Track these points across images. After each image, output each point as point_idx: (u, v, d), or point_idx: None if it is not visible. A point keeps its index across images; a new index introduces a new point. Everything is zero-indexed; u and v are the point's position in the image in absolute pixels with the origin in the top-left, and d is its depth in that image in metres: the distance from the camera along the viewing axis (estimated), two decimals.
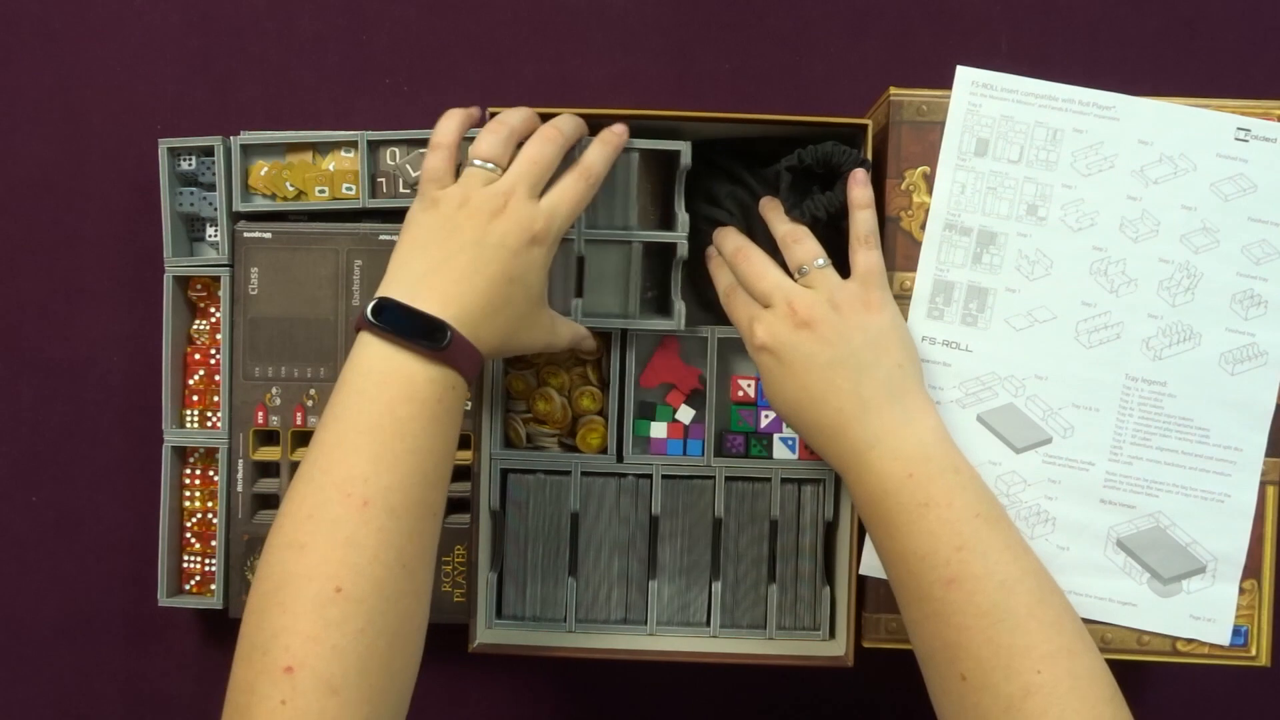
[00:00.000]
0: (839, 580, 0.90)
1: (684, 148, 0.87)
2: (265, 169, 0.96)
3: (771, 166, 0.89)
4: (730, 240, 0.87)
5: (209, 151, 0.96)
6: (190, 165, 0.96)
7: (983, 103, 0.85)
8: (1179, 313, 0.84)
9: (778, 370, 0.81)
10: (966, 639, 0.71)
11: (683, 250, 0.89)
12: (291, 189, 0.95)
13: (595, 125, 0.86)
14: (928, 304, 0.84)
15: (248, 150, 0.96)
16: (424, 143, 0.91)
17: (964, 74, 0.85)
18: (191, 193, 0.97)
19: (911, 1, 1.02)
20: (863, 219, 0.83)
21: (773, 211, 0.87)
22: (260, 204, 0.96)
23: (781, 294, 0.81)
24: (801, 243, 0.83)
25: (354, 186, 0.95)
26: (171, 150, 0.96)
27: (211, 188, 0.96)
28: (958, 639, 0.71)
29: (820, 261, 0.82)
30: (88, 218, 1.03)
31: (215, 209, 0.96)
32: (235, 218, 0.96)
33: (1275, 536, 0.85)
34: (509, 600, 0.93)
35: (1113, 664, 0.87)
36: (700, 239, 0.91)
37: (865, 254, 0.82)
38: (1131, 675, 1.02)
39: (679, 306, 0.90)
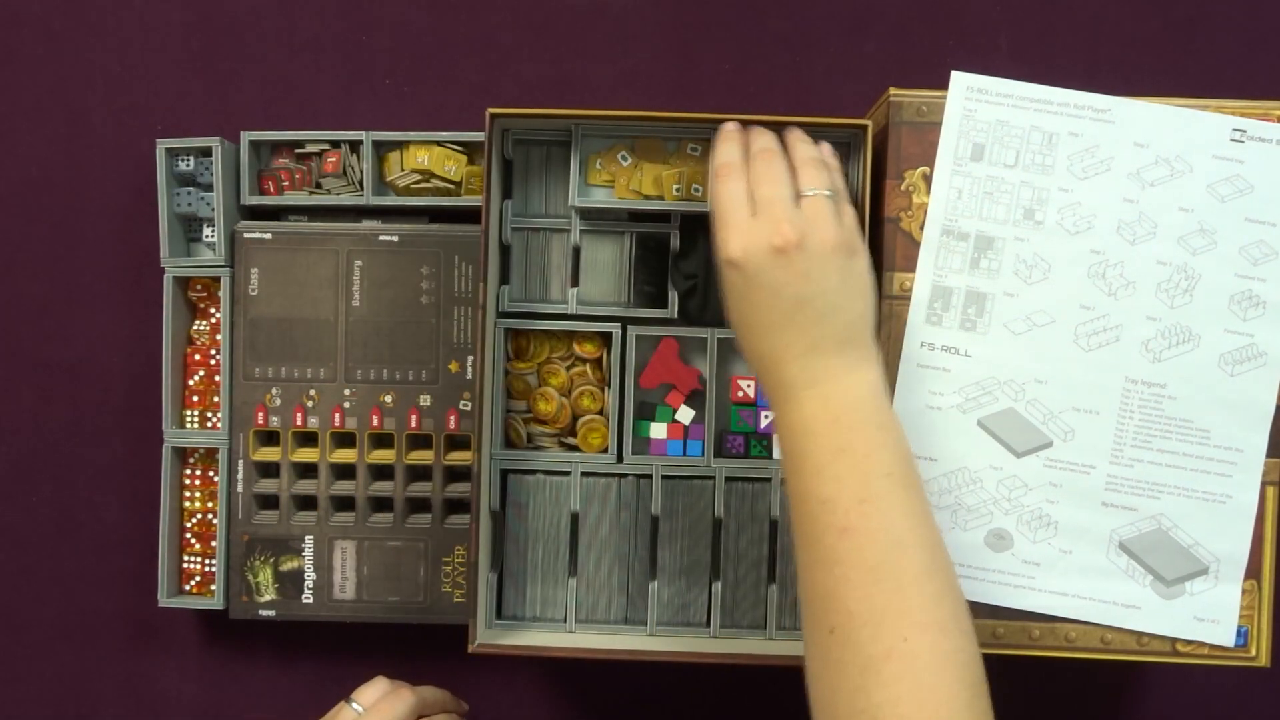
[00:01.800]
0: None
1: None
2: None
3: None
4: (763, 139, 0.81)
5: (207, 152, 0.96)
6: (189, 166, 0.96)
7: (978, 108, 0.84)
8: (1178, 314, 0.84)
9: (741, 287, 0.76)
10: (844, 590, 0.68)
11: (675, 242, 0.92)
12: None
13: (598, 126, 0.87)
14: (926, 309, 0.84)
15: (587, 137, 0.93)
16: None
17: (959, 79, 0.85)
18: (189, 193, 0.97)
19: (911, 2, 1.02)
20: (839, 179, 0.82)
21: (796, 135, 0.83)
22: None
23: (777, 209, 0.76)
24: (819, 170, 0.79)
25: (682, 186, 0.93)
26: (170, 150, 0.96)
27: (209, 188, 0.96)
28: (836, 589, 0.69)
29: (828, 193, 0.77)
30: (88, 218, 1.03)
31: (213, 209, 0.96)
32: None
33: (1275, 537, 0.85)
34: (509, 601, 0.93)
35: (1113, 664, 0.88)
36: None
37: (848, 206, 0.80)
38: (1131, 675, 1.03)
39: (673, 295, 0.92)
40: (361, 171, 0.96)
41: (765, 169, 0.78)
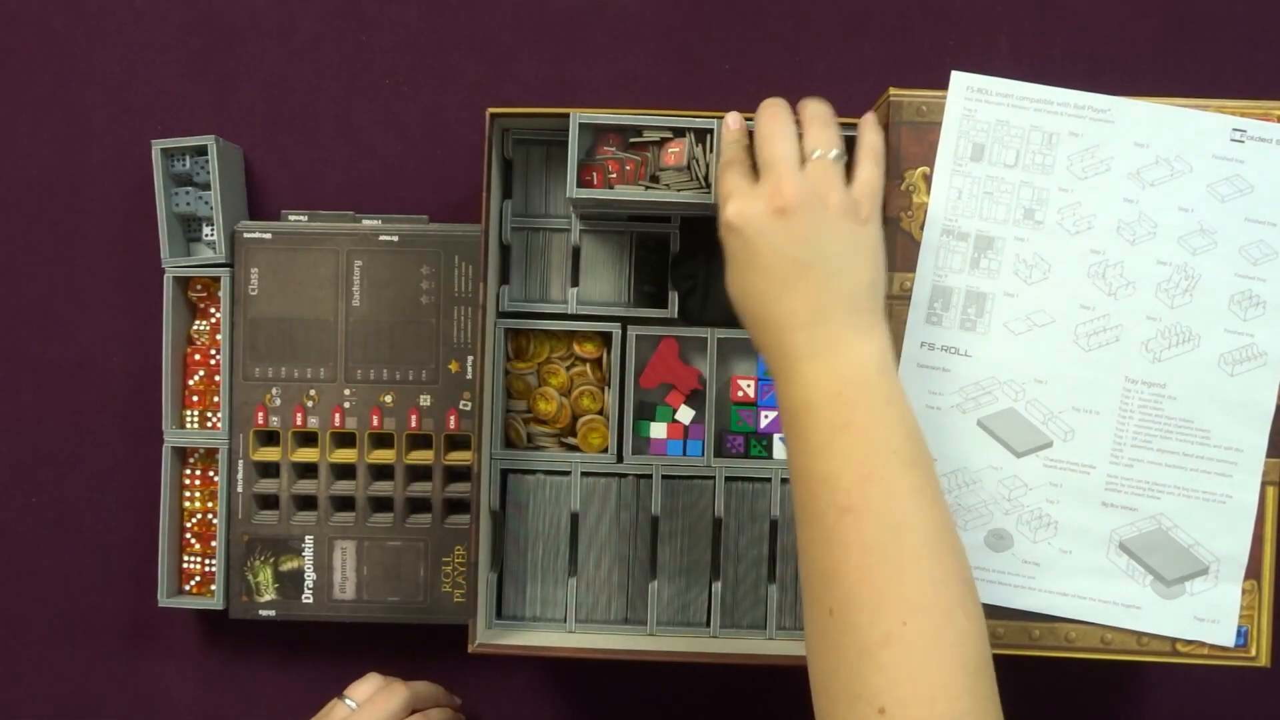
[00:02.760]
0: None
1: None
2: None
3: None
4: (771, 104, 0.79)
5: (202, 151, 0.96)
6: (185, 165, 0.96)
7: (978, 108, 0.84)
8: (1178, 314, 0.84)
9: (742, 254, 0.74)
10: (844, 571, 0.67)
11: (675, 243, 0.92)
12: None
13: (597, 125, 0.86)
14: (926, 309, 0.84)
15: None
16: None
17: (959, 79, 0.85)
18: (187, 192, 0.97)
19: (911, 2, 1.02)
20: (871, 138, 0.79)
21: (810, 100, 0.80)
22: None
23: (778, 170, 0.74)
24: (826, 127, 0.77)
25: None
26: (165, 151, 0.96)
27: (207, 187, 0.96)
28: (836, 569, 0.67)
29: (835, 153, 0.76)
30: (88, 218, 1.03)
31: (212, 208, 0.96)
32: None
33: (1275, 537, 0.85)
34: (509, 600, 0.93)
35: (1112, 665, 0.88)
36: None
37: (869, 168, 0.77)
38: (1131, 675, 1.03)
39: (673, 295, 0.93)
40: (708, 165, 0.86)
41: (769, 125, 0.77)
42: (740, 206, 0.74)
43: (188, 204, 0.97)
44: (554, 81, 1.03)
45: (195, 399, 0.98)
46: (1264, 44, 1.01)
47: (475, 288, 0.95)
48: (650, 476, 0.92)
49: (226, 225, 0.96)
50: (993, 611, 0.85)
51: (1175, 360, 0.84)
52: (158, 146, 0.96)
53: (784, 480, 0.92)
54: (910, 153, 0.85)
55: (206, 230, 0.98)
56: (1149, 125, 0.84)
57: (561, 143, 0.90)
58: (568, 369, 0.94)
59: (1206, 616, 0.85)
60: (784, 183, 0.73)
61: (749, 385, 0.93)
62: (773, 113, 0.78)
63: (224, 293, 0.96)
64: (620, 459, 0.92)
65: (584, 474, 0.92)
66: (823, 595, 0.68)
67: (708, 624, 0.93)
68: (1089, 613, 0.85)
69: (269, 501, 0.98)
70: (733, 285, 0.76)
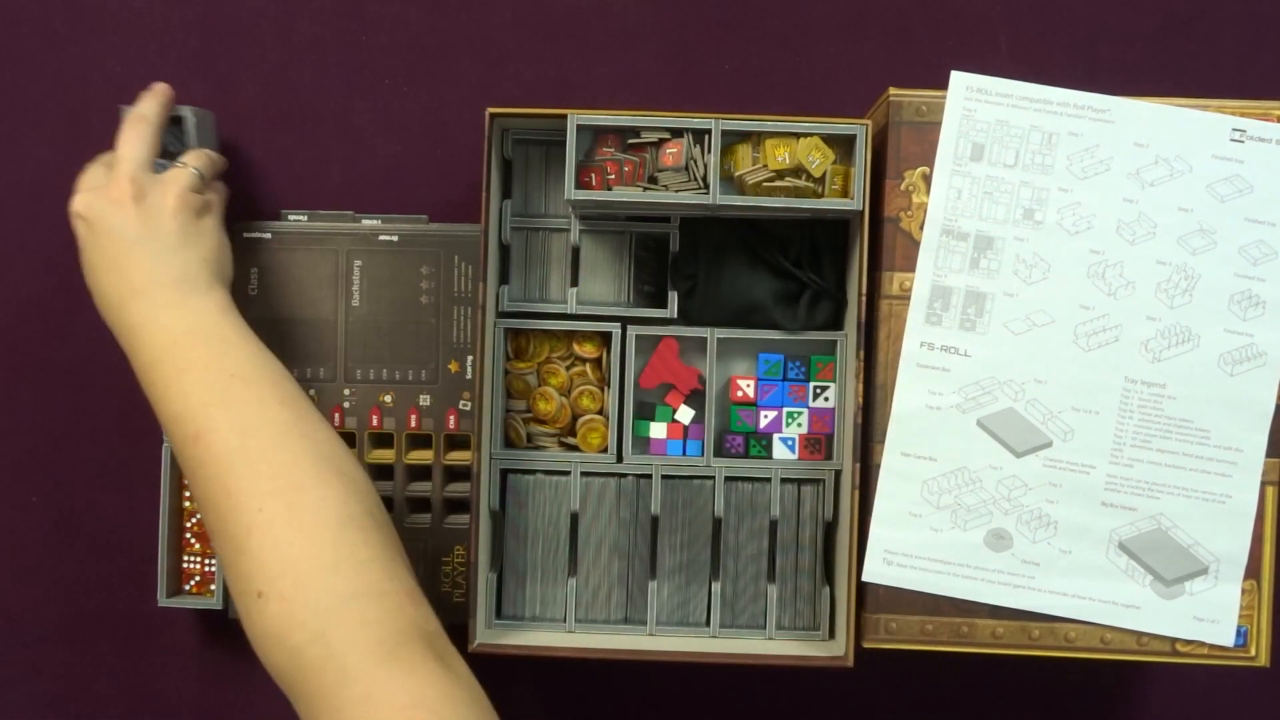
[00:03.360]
0: (839, 580, 0.90)
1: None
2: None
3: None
4: (144, 106, 0.89)
5: (176, 121, 0.94)
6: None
7: (978, 108, 0.84)
8: (1177, 314, 0.84)
9: (88, 238, 0.84)
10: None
11: (674, 243, 0.92)
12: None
13: (595, 127, 0.87)
14: (926, 309, 0.84)
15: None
16: None
17: (958, 79, 0.85)
18: (161, 165, 0.93)
19: (911, 2, 1.02)
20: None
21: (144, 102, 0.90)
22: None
23: (123, 168, 0.85)
24: (199, 156, 0.90)
25: None
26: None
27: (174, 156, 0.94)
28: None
29: (194, 170, 0.88)
30: None
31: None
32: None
33: (1275, 537, 0.85)
34: (509, 600, 0.93)
35: (1112, 665, 0.88)
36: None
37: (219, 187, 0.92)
38: (1131, 675, 1.03)
39: (672, 295, 0.92)
40: (706, 166, 0.86)
41: (128, 132, 0.87)
42: (88, 197, 0.84)
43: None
44: (554, 81, 1.03)
45: None
46: (1264, 44, 1.01)
47: (475, 288, 0.95)
48: (650, 476, 0.92)
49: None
50: (993, 611, 0.85)
51: (1175, 360, 0.84)
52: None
53: (784, 480, 0.92)
54: (910, 153, 0.85)
55: None
56: (1149, 125, 0.84)
57: (561, 142, 0.90)
58: (568, 369, 0.94)
59: (1206, 616, 0.85)
60: (126, 180, 0.84)
61: (749, 385, 0.93)
62: (134, 123, 0.88)
63: None
64: (620, 459, 0.92)
65: (584, 474, 0.92)
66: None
67: (707, 623, 0.93)
68: (1089, 613, 0.85)
69: None
70: (85, 270, 0.85)
